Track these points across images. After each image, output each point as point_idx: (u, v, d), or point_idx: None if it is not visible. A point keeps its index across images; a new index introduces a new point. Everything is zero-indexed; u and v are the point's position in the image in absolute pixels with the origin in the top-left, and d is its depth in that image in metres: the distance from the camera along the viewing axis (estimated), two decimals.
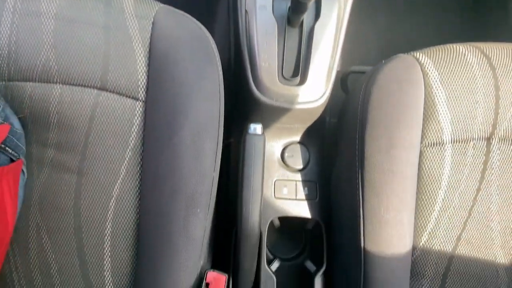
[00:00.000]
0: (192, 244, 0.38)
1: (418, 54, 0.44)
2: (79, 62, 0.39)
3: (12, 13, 0.39)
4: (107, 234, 0.40)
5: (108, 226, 0.40)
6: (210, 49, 0.41)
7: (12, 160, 0.38)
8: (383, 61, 0.45)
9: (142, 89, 0.40)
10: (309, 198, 0.53)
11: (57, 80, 0.39)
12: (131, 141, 0.40)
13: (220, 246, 0.56)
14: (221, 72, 0.41)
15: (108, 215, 0.40)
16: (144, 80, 0.40)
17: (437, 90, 0.41)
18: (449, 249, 0.42)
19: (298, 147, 0.53)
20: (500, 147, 0.43)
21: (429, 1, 0.98)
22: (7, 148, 0.36)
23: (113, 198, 0.40)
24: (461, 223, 0.42)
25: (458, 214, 0.42)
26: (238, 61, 0.48)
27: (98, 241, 0.39)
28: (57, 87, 0.40)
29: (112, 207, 0.40)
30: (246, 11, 0.46)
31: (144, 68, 0.40)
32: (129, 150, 0.40)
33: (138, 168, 0.40)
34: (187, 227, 0.37)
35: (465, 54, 0.43)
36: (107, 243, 0.39)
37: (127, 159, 0.40)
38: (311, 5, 0.43)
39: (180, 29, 0.41)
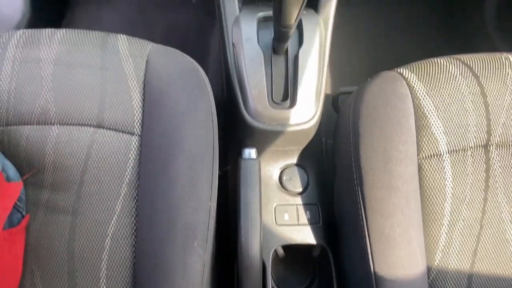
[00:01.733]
0: (191, 282, 0.36)
1: (401, 69, 0.45)
2: (77, 102, 0.41)
3: (12, 61, 0.41)
4: (102, 277, 0.38)
5: (103, 268, 0.38)
6: (201, 81, 0.43)
7: (22, 215, 0.38)
8: (369, 79, 0.47)
9: (138, 124, 0.41)
10: (312, 222, 0.51)
11: (55, 121, 0.41)
12: (126, 176, 0.40)
13: (223, 282, 0.53)
14: (213, 102, 0.42)
15: (103, 256, 0.38)
16: (140, 115, 0.41)
17: (425, 101, 0.42)
18: (466, 267, 0.40)
19: (295, 170, 0.53)
20: (500, 153, 0.42)
21: (409, 20, 1.04)
22: (18, 204, 0.37)
23: (108, 237, 0.38)
24: (474, 236, 0.40)
25: (470, 227, 0.40)
26: (229, 90, 0.50)
27: (93, 284, 0.38)
28: (54, 128, 0.40)
29: (107, 247, 0.38)
30: (233, 44, 0.48)
31: (139, 103, 0.41)
32: (125, 185, 0.40)
33: (134, 203, 0.39)
34: (185, 265, 0.36)
35: (447, 66, 0.44)
36: (103, 286, 0.37)
37: (122, 194, 0.39)
38: (293, 33, 0.45)
39: (172, 65, 0.43)
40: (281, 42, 0.44)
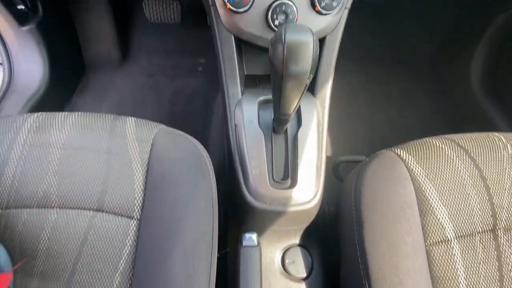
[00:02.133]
0: None
1: (398, 150, 0.46)
2: (80, 186, 0.41)
3: (22, 146, 0.43)
4: None
5: None
6: (204, 165, 0.43)
7: None
8: (367, 159, 0.48)
9: (138, 208, 0.40)
10: None
11: (55, 204, 0.40)
12: (121, 265, 0.38)
13: None
14: (214, 188, 0.43)
15: None
16: (140, 199, 0.41)
17: (426, 186, 0.42)
18: None
19: (298, 251, 0.50)
20: (508, 238, 0.41)
21: (399, 90, 1.11)
22: None
23: None
24: None
25: None
26: (231, 169, 0.51)
27: None
28: (53, 212, 0.40)
29: None
30: (235, 125, 0.51)
31: (141, 187, 0.41)
32: (118, 275, 0.38)
33: None
34: None
35: (443, 148, 0.45)
36: None
37: (115, 285, 0.37)
38: (292, 118, 0.48)
39: (177, 149, 0.44)
40: (281, 125, 0.46)
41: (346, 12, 0.48)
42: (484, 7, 0.93)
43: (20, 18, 0.85)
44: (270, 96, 0.52)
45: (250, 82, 0.62)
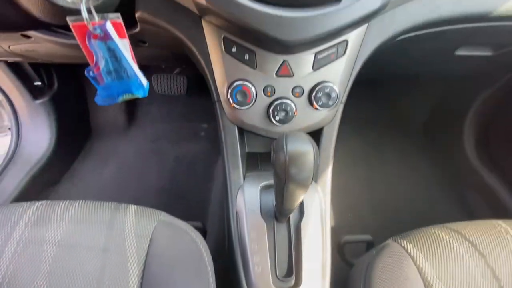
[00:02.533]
0: None
1: (404, 243, 0.45)
2: (72, 287, 0.39)
3: (17, 242, 0.42)
4: None
5: None
6: (203, 267, 0.42)
7: None
8: (373, 251, 0.46)
9: None
10: None
11: None
12: None
13: None
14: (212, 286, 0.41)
15: None
16: None
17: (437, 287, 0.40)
18: None
19: None
20: None
21: (396, 154, 1.14)
22: None
23: None
24: None
25: None
26: (232, 262, 0.49)
27: None
28: None
29: None
30: (237, 212, 0.51)
31: None
32: None
33: None
34: None
35: (450, 242, 0.44)
36: None
37: None
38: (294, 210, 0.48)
39: (176, 246, 0.43)
40: (283, 215, 0.46)
41: (341, 106, 0.52)
42: (467, 87, 1.00)
43: (35, 93, 0.90)
44: (271, 181, 0.52)
45: (252, 161, 0.63)
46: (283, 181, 0.34)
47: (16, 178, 0.88)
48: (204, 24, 0.44)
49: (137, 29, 0.47)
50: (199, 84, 1.20)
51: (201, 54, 0.46)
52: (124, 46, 0.32)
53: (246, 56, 0.44)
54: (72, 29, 0.31)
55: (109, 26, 0.30)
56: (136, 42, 0.54)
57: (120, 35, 0.31)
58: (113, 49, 0.31)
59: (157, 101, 1.20)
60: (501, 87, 0.91)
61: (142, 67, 0.38)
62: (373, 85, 1.18)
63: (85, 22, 0.29)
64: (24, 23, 0.34)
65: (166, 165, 1.08)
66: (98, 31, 0.30)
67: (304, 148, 0.32)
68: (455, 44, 0.58)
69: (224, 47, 0.44)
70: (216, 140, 0.63)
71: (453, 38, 0.54)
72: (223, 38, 0.43)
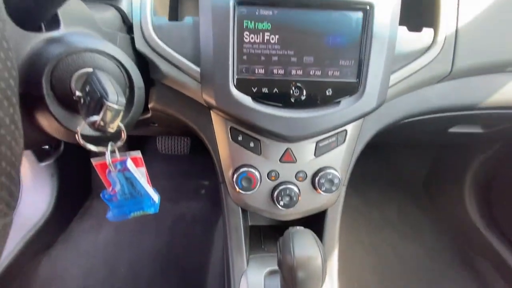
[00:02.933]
0: None
1: None
2: None
3: None
4: None
5: None
6: None
7: None
8: None
9: None
10: None
11: None
12: None
13: None
14: None
15: None
16: None
17: None
18: None
19: None
20: None
21: (398, 214, 1.13)
22: None
23: None
24: None
25: None
26: None
27: None
28: None
29: None
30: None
31: None
32: None
33: None
34: None
35: None
36: None
37: None
38: None
39: None
40: None
41: (344, 188, 0.53)
42: (463, 151, 1.03)
43: (41, 156, 0.91)
44: (276, 267, 0.51)
45: (254, 235, 0.62)
46: (290, 283, 0.34)
47: (10, 245, 0.85)
48: (212, 114, 0.47)
49: (149, 115, 0.49)
50: (202, 144, 1.22)
51: (208, 140, 0.49)
52: (141, 173, 0.34)
53: (252, 144, 0.46)
54: (95, 167, 0.33)
55: (129, 163, 0.32)
56: (147, 124, 0.57)
57: (138, 165, 0.34)
58: (129, 178, 0.33)
59: (159, 160, 1.21)
60: (497, 150, 0.94)
61: None
62: (373, 145, 1.22)
63: (107, 163, 0.31)
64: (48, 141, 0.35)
65: (164, 227, 1.05)
66: (118, 167, 0.32)
67: (311, 252, 0.32)
68: (447, 125, 0.61)
69: (231, 135, 0.46)
70: (217, 197, 0.62)
71: (445, 122, 0.57)
72: (230, 128, 0.46)
